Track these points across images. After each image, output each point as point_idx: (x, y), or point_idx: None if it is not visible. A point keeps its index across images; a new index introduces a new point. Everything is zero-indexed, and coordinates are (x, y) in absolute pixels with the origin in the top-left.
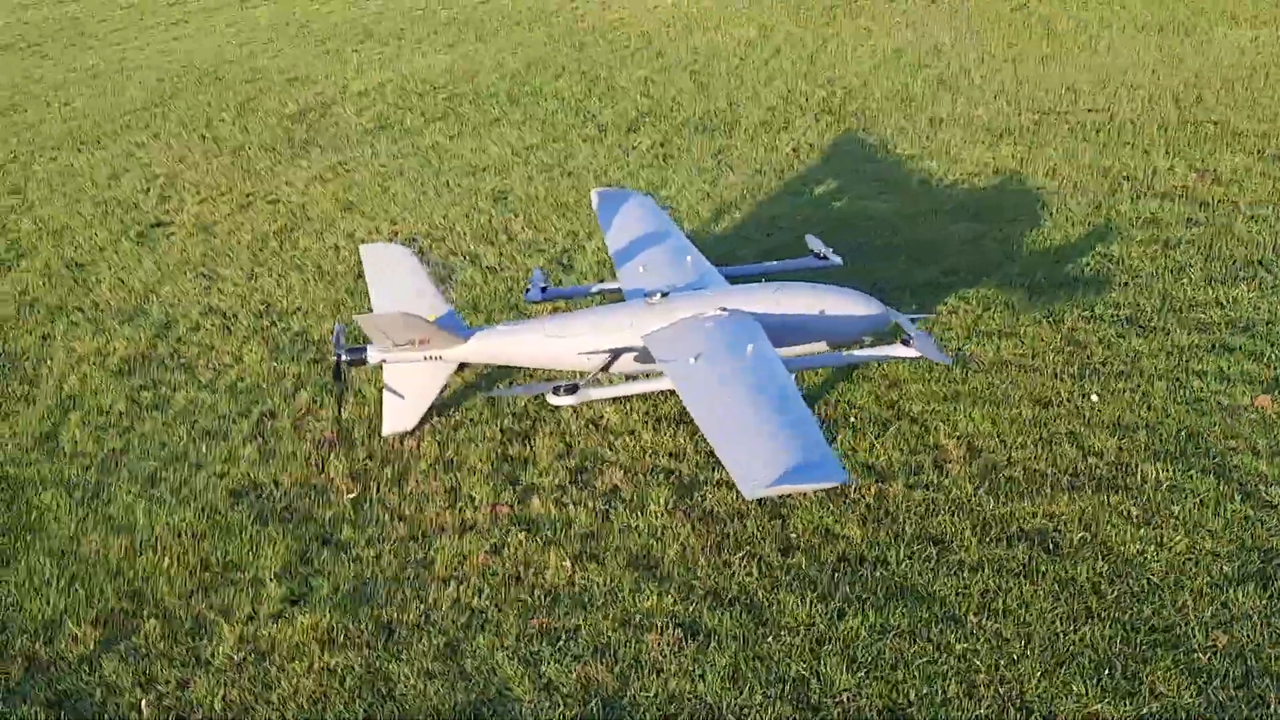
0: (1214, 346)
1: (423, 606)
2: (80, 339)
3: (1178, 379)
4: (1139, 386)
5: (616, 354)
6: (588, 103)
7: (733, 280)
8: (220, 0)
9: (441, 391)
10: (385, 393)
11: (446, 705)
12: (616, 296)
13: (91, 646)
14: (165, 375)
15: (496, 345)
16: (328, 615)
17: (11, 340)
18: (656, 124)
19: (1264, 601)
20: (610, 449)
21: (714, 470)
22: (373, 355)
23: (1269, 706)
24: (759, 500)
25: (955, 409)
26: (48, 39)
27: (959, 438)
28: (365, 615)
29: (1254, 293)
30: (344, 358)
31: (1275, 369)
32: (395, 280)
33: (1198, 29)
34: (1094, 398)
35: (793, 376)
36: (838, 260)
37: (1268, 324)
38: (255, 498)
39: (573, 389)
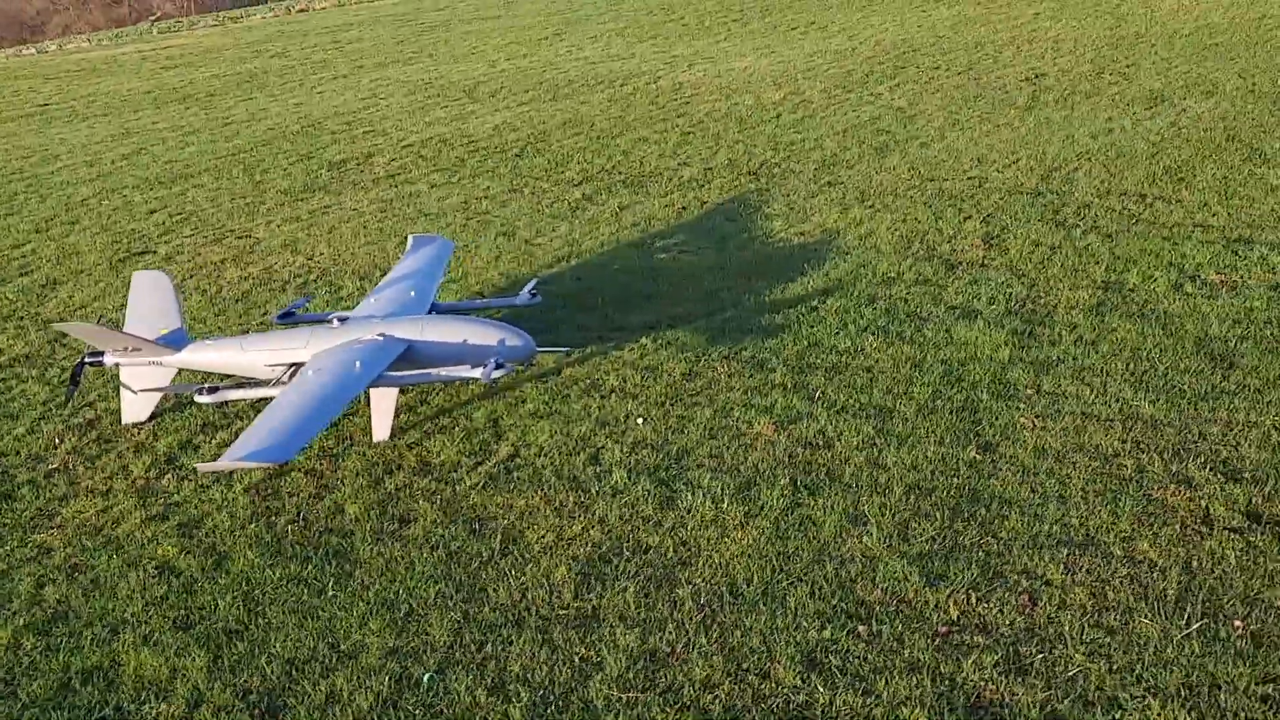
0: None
1: None
2: None
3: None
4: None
5: (294, 366)
6: (571, 159)
7: (439, 312)
8: (390, 59)
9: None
10: (121, 389)
11: None
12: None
13: None
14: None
15: (205, 356)
16: None
17: None
18: (596, 180)
19: None
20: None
21: None
22: (108, 359)
23: None
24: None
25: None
26: (226, 90)
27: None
28: None
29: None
30: (86, 360)
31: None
32: (147, 301)
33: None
34: (639, 420)
35: (393, 390)
36: (535, 300)
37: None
38: None
39: (214, 390)
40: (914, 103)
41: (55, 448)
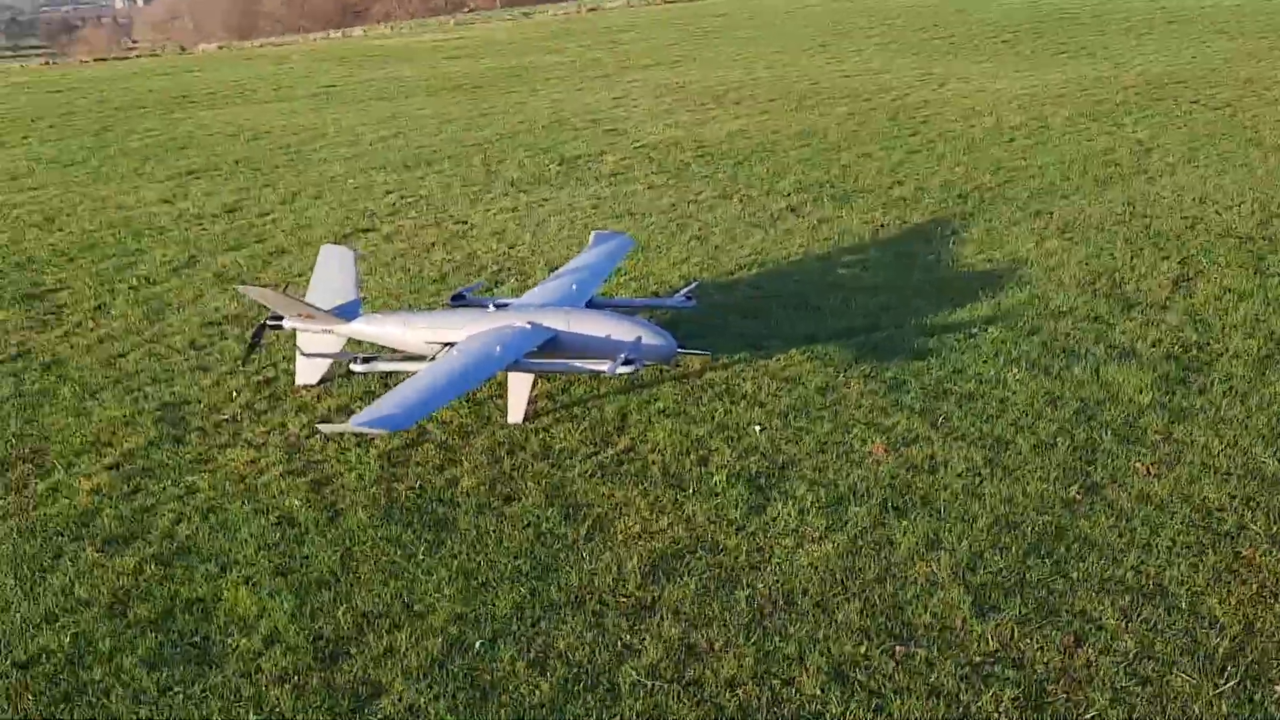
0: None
1: None
2: None
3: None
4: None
5: (447, 345)
6: (790, 169)
7: (595, 306)
8: (657, 61)
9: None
10: (297, 353)
11: None
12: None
13: None
14: None
15: (372, 328)
16: None
17: None
18: (807, 192)
19: None
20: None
21: None
22: (287, 324)
23: None
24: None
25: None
26: (494, 82)
27: None
28: None
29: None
30: (267, 322)
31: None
32: (330, 273)
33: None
34: (757, 428)
35: (529, 376)
36: (690, 303)
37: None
38: None
39: (368, 359)
40: (1155, 136)
41: (231, 400)
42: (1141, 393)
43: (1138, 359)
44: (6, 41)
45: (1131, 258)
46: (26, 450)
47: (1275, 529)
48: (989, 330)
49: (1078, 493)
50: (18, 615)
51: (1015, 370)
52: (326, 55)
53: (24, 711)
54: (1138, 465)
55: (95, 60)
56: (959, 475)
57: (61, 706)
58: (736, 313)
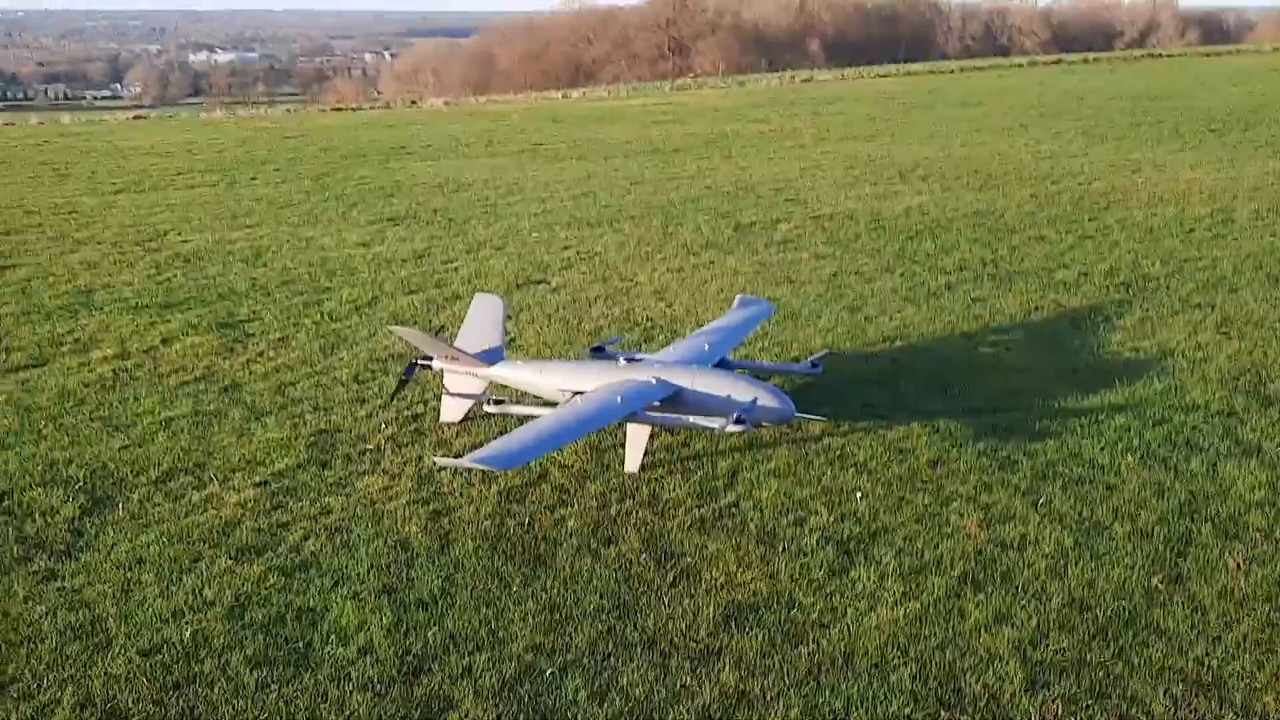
0: None
1: None
2: None
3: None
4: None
5: (576, 393)
6: (958, 248)
7: (727, 366)
8: (854, 135)
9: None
10: (443, 392)
11: None
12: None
13: None
14: None
15: (511, 373)
16: None
17: None
18: (969, 270)
19: None
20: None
21: None
22: (435, 364)
23: None
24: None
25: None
26: (691, 148)
27: None
28: None
29: None
30: (418, 362)
31: None
32: (480, 319)
33: None
34: (858, 495)
35: (647, 428)
36: (816, 370)
37: None
38: None
39: (499, 402)
40: None
41: (378, 432)
42: (1255, 490)
43: (1259, 457)
44: (265, 88)
45: None
46: (190, 464)
47: None
48: (1116, 418)
49: (1160, 582)
50: (150, 609)
51: (1130, 458)
52: (543, 114)
53: (136, 694)
54: (1229, 560)
55: (331, 110)
56: (1045, 555)
57: (171, 694)
58: (869, 383)
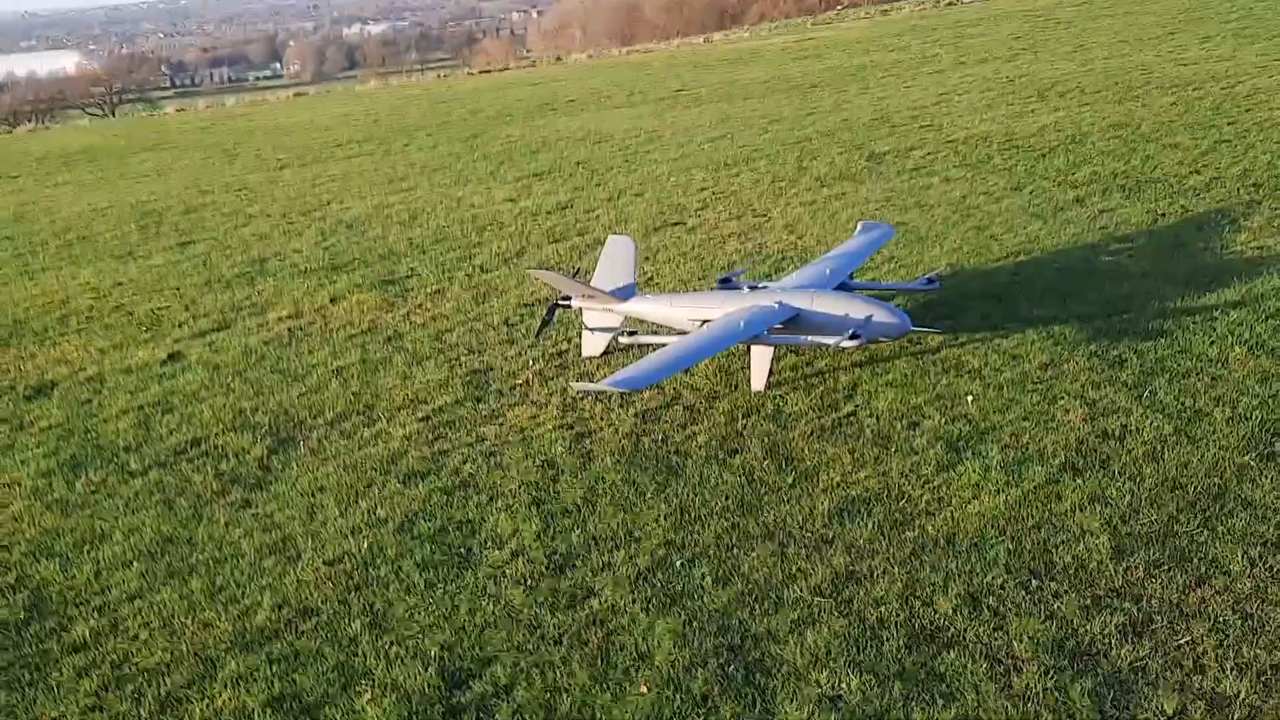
0: None
1: None
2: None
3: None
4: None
5: (705, 321)
6: (1090, 161)
7: (848, 289)
8: (995, 55)
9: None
10: (583, 328)
11: None
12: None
13: None
14: None
15: (644, 307)
16: None
17: None
18: (1100, 183)
19: None
20: None
21: None
22: (574, 302)
23: None
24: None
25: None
26: (829, 82)
27: None
28: None
29: None
30: (560, 301)
31: None
32: (614, 259)
33: None
34: (969, 398)
35: (770, 349)
36: (934, 286)
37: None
38: None
39: (632, 333)
40: None
41: (527, 369)
42: None
43: None
44: (417, 55)
45: None
46: (361, 405)
47: None
48: (1230, 314)
49: (1254, 460)
50: (332, 527)
51: (1238, 350)
52: (683, 61)
53: (323, 596)
54: None
55: (480, 72)
56: (1144, 442)
57: (353, 594)
58: (988, 297)
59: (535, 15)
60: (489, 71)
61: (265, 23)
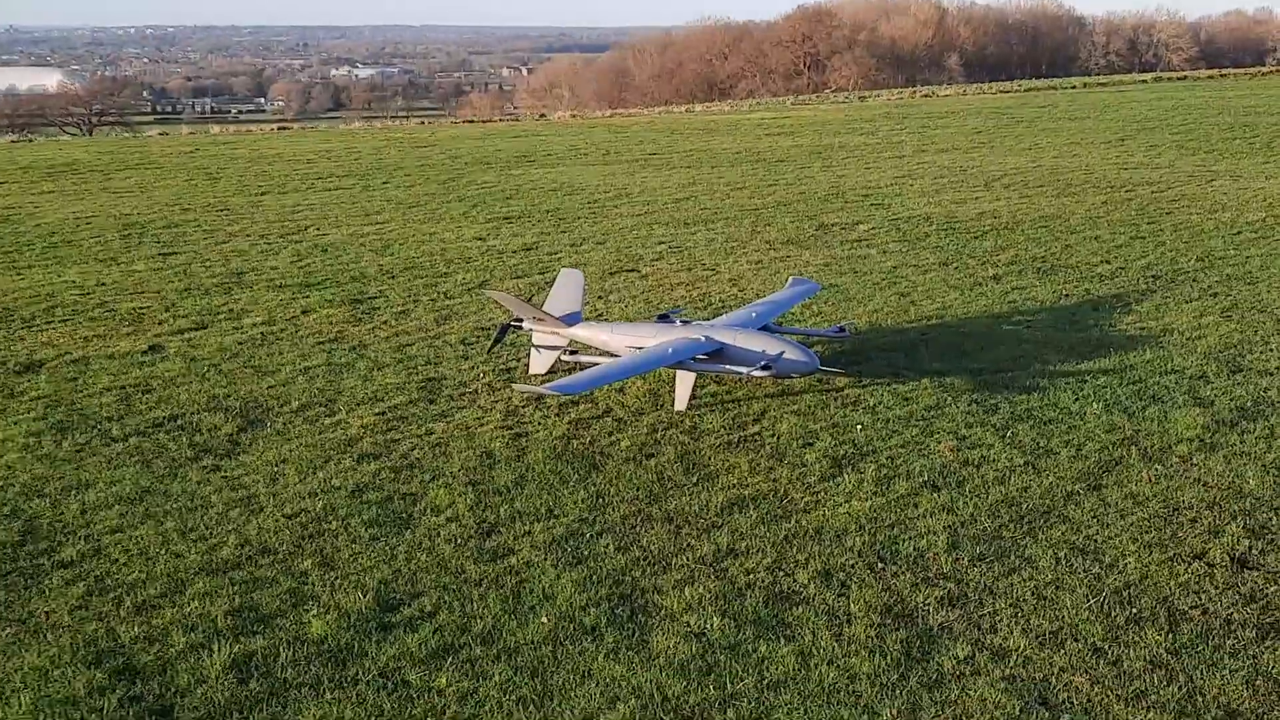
0: None
1: None
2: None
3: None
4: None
5: (642, 347)
6: (1015, 246)
7: (768, 330)
8: (955, 146)
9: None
10: (531, 348)
11: None
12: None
13: None
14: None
15: (586, 332)
16: None
17: None
18: (1019, 265)
19: None
20: None
21: None
22: (525, 324)
23: None
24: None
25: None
26: (795, 159)
27: None
28: None
29: None
30: (512, 322)
31: None
32: (564, 288)
33: None
34: (859, 428)
35: (692, 375)
36: (843, 334)
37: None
38: None
39: (574, 352)
40: None
41: (478, 380)
42: (1189, 429)
43: (1209, 408)
44: (404, 101)
45: (1271, 336)
46: (324, 399)
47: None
48: (1099, 378)
49: (1081, 488)
50: (292, 489)
51: (1096, 406)
52: (662, 127)
53: (280, 540)
54: (1143, 474)
55: (464, 121)
56: (997, 470)
57: (307, 541)
58: (897, 350)
59: (525, 73)
60: (473, 121)
61: (254, 56)
